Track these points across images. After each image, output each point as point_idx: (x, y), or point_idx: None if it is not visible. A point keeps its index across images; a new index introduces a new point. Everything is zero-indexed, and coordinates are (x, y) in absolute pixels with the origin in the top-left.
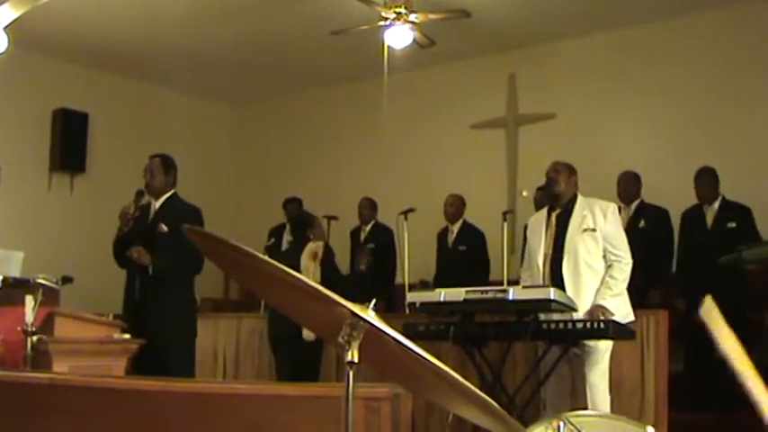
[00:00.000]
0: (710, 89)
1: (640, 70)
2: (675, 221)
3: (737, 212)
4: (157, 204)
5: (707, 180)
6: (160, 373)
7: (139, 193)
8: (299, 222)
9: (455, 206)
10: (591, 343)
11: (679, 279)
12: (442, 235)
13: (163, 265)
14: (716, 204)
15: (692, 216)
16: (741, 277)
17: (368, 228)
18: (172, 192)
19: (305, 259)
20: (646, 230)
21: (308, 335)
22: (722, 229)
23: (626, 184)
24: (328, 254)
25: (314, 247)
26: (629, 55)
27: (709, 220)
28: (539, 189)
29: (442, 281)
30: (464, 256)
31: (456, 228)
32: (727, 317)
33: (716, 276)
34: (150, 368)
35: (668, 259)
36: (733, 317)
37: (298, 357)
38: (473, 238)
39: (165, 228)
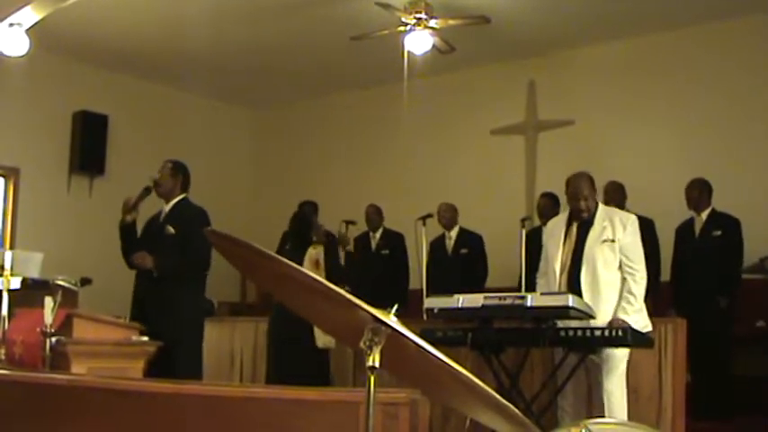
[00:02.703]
0: (731, 97)
1: (660, 77)
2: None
3: (723, 222)
4: (167, 208)
5: (697, 190)
6: (165, 373)
7: (146, 189)
8: (298, 225)
9: (450, 212)
10: (608, 350)
11: (674, 289)
12: (438, 241)
13: (165, 266)
14: (704, 215)
15: (683, 228)
16: (732, 287)
17: (378, 234)
18: (183, 196)
19: (307, 268)
20: None
21: (323, 342)
22: (708, 238)
23: (613, 193)
24: (329, 254)
25: (314, 253)
26: (648, 62)
27: (697, 229)
28: (542, 196)
29: (434, 288)
30: (466, 260)
31: (453, 234)
32: (717, 326)
33: (705, 285)
34: (155, 368)
35: (655, 269)
36: (723, 326)
37: (300, 360)
38: (474, 243)
39: (171, 230)
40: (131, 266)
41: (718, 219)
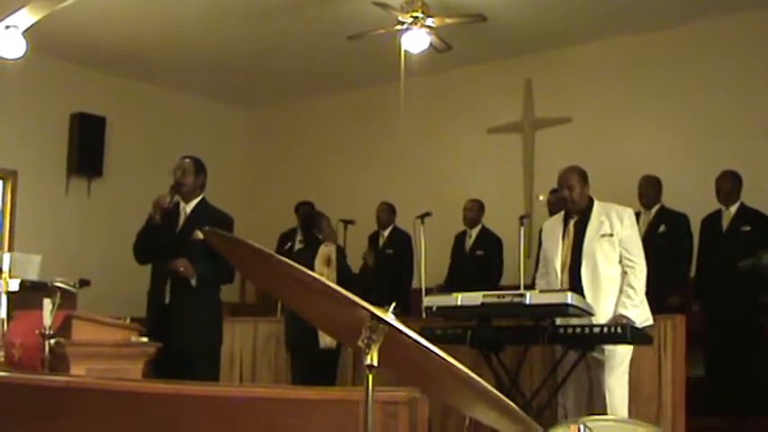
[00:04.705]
0: (728, 93)
1: (656, 74)
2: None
3: (753, 217)
4: (188, 209)
5: (730, 182)
6: (185, 379)
7: (174, 187)
8: (308, 222)
9: (474, 211)
10: (610, 347)
11: (696, 283)
12: (460, 238)
13: (207, 277)
14: (733, 209)
15: (710, 221)
16: (760, 281)
17: (386, 233)
18: (202, 196)
19: (319, 265)
20: (666, 235)
21: (324, 342)
22: (737, 234)
23: (647, 188)
24: (341, 255)
25: (326, 251)
26: (644, 59)
27: (725, 224)
28: (552, 192)
29: (453, 285)
30: (480, 261)
31: (474, 233)
32: (741, 321)
33: (731, 280)
34: (175, 374)
35: (688, 264)
36: (746, 321)
37: (315, 361)
38: (491, 244)
39: (200, 235)
40: (142, 260)
41: (747, 214)
